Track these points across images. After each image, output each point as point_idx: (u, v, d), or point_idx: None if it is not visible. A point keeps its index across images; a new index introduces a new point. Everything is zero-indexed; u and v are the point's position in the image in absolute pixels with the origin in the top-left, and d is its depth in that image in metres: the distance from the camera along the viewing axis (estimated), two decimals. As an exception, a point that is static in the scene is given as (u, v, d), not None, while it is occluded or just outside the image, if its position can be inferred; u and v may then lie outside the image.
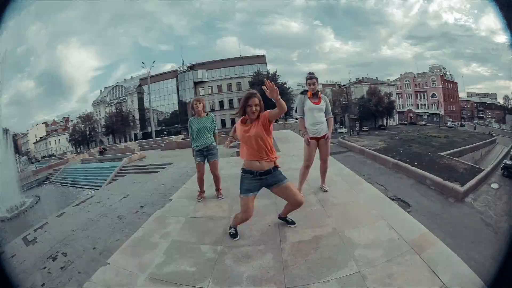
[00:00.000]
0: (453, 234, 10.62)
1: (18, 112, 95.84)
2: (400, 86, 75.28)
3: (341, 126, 67.71)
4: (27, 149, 78.54)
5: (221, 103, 68.38)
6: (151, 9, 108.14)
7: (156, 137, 58.54)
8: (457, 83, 73.33)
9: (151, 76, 70.15)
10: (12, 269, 4.49)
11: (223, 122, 65.27)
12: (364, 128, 63.97)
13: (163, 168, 18.13)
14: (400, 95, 74.25)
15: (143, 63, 62.27)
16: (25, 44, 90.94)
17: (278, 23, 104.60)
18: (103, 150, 43.99)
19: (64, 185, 30.22)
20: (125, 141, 69.06)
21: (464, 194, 16.44)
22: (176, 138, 33.83)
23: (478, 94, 75.04)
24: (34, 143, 79.61)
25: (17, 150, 68.77)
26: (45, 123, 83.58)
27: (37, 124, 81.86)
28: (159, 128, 70.74)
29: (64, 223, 9.33)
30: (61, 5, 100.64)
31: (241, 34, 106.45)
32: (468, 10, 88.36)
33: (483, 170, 21.65)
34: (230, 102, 68.16)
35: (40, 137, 79.84)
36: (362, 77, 74.07)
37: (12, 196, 24.75)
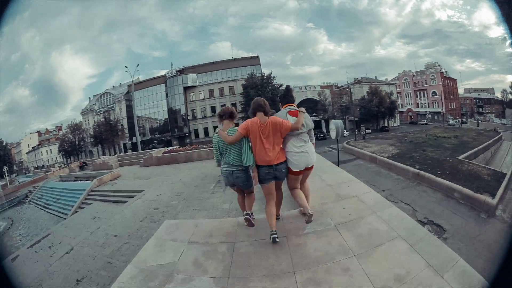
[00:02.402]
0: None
1: (14, 120, 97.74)
2: (399, 85, 73.81)
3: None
4: (20, 159, 79.29)
5: (213, 109, 65.74)
6: (144, 14, 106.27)
7: (146, 147, 58.25)
8: (456, 79, 72.86)
9: (140, 82, 69.02)
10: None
11: (216, 129, 61.54)
12: (367, 131, 60.17)
13: (132, 196, 17.12)
14: (399, 94, 72.57)
15: (126, 66, 58.50)
16: (19, 51, 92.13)
17: (271, 27, 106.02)
18: (84, 164, 41.76)
19: (38, 207, 29.64)
20: (114, 151, 67.89)
21: (496, 207, 15.18)
22: (156, 153, 30.68)
23: (476, 90, 74.80)
24: (27, 153, 79.86)
25: (10, 160, 71.37)
26: (38, 132, 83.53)
27: (30, 133, 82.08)
28: (149, 137, 69.32)
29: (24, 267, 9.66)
30: (54, 11, 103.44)
31: (234, 39, 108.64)
32: (461, 7, 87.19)
33: (505, 174, 19.98)
34: (222, 107, 63.40)
35: (33, 147, 79.75)
36: (361, 77, 72.41)
37: None
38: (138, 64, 59.60)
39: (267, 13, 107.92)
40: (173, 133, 67.26)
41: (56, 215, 23.56)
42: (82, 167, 40.93)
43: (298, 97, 63.61)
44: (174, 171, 22.10)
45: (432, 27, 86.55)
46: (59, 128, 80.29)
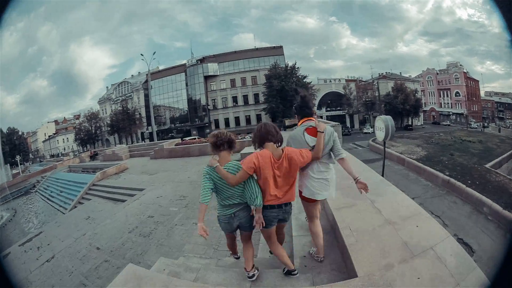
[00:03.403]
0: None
1: (31, 111, 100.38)
2: (423, 83, 70.96)
3: (366, 126, 60.43)
4: (36, 148, 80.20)
5: (234, 99, 63.43)
6: (165, 6, 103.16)
7: (164, 136, 57.87)
8: (478, 81, 69.16)
9: (159, 71, 67.94)
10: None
11: (237, 120, 61.97)
12: None
13: (132, 195, 16.01)
14: (423, 93, 69.62)
15: (142, 54, 55.50)
16: (36, 45, 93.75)
17: (294, 19, 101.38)
18: (95, 154, 41.03)
19: (42, 198, 28.49)
20: (131, 140, 67.25)
21: (523, 228, 13.87)
22: (168, 144, 29.06)
23: (496, 93, 70.84)
24: (43, 141, 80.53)
25: (25, 149, 72.77)
26: (56, 121, 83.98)
27: (48, 122, 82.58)
28: (167, 126, 67.62)
29: (11, 268, 7.22)
30: (70, 6, 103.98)
31: (257, 30, 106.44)
32: (480, 6, 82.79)
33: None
34: (245, 98, 63.28)
35: (49, 136, 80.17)
36: (386, 72, 69.42)
37: None
38: (154, 52, 57.44)
39: (290, 5, 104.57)
40: (193, 123, 65.14)
41: (57, 209, 22.45)
42: (93, 157, 40.19)
43: (323, 90, 61.90)
44: (184, 166, 20.63)
45: (453, 26, 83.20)
46: (77, 117, 79.72)
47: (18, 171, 51.52)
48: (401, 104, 59.14)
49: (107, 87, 78.85)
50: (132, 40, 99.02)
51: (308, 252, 4.90)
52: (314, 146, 4.23)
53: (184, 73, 66.07)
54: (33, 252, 11.68)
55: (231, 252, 5.29)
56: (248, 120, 61.57)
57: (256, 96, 61.55)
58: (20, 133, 74.07)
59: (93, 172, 25.47)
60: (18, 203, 30.43)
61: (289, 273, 4.29)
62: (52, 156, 72.62)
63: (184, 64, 66.49)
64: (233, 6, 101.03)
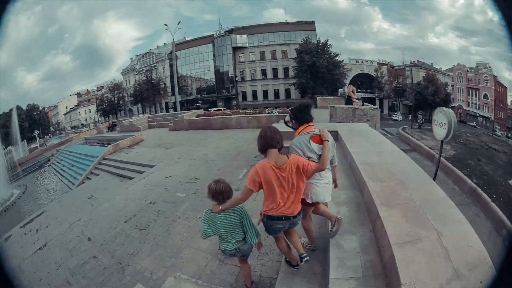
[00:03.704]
0: None
1: (53, 86, 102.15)
2: (452, 78, 66.69)
3: (395, 113, 59.35)
4: (57, 121, 79.73)
5: (263, 71, 61.03)
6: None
7: (189, 106, 56.93)
8: (506, 88, 64.32)
9: (186, 42, 65.94)
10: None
11: (265, 93, 59.78)
12: (418, 120, 53.67)
13: (140, 172, 14.82)
14: (452, 88, 65.64)
15: (165, 24, 52.34)
16: (56, 24, 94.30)
17: None
18: (113, 125, 40.02)
19: (55, 173, 27.77)
20: (155, 110, 66.54)
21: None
22: (189, 115, 27.37)
23: None
24: (64, 114, 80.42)
25: (45, 123, 73.74)
26: (78, 93, 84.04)
27: (70, 95, 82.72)
28: (193, 97, 66.10)
29: (9, 252, 9.29)
30: None
31: (288, 6, 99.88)
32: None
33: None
34: (274, 71, 60.02)
35: (70, 108, 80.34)
36: (417, 61, 65.64)
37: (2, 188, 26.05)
38: (179, 22, 54.62)
39: None
40: (220, 94, 62.82)
41: (66, 184, 21.79)
42: (111, 128, 39.21)
43: (354, 70, 59.09)
44: (203, 140, 18.89)
45: (485, 26, 78.44)
46: (100, 89, 78.82)
47: (36, 145, 52.34)
48: (431, 96, 56.44)
49: (131, 58, 77.85)
50: (159, 13, 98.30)
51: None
52: (320, 155, 4.06)
53: (211, 44, 63.91)
54: (32, 235, 10.99)
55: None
56: (276, 94, 59.66)
57: (286, 70, 58.94)
58: (40, 108, 75.13)
59: (108, 144, 23.97)
60: (31, 179, 30.38)
61: (289, 264, 4.50)
62: (73, 128, 73.17)
63: (212, 35, 64.11)
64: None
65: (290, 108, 4.67)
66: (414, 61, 64.03)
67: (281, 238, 4.23)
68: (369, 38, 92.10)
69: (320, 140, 4.03)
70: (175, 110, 52.16)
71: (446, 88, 59.88)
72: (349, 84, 21.26)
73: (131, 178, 14.12)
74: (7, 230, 12.87)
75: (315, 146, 4.01)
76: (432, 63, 65.58)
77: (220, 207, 3.92)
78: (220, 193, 3.92)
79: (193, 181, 10.95)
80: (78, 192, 16.03)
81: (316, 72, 50.18)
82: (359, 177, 5.98)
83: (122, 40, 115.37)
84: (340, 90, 30.44)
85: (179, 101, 51.86)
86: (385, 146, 7.72)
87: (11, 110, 62.70)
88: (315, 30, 58.64)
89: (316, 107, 30.35)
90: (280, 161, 3.68)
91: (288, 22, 61.03)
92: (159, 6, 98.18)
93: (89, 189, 15.32)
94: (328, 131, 4.15)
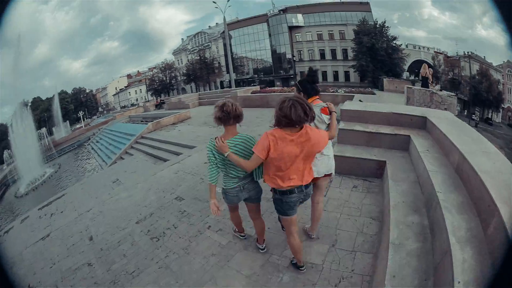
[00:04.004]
0: None
1: (102, 69, 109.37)
2: (503, 75, 60.60)
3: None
4: (106, 101, 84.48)
5: (321, 53, 58.59)
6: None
7: (245, 86, 52.31)
8: None
9: (239, 21, 65.02)
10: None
11: (324, 74, 56.81)
12: (473, 117, 50.10)
13: (178, 154, 12.81)
14: (502, 86, 59.88)
15: (214, 2, 49.96)
16: (99, 14, 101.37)
17: None
18: (161, 102, 40.11)
19: (91, 152, 28.62)
20: (209, 88, 66.00)
21: None
22: (244, 92, 26.00)
23: None
24: (113, 95, 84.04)
25: (92, 104, 79.83)
26: (128, 75, 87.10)
27: (120, 77, 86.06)
28: (249, 76, 64.94)
29: (19, 236, 8.91)
30: None
31: None
32: None
33: None
34: (333, 52, 57.15)
35: (120, 89, 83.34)
36: (470, 52, 59.79)
37: (35, 167, 27.34)
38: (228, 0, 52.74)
39: None
40: (277, 73, 61.76)
41: (100, 164, 21.83)
42: (159, 105, 39.00)
43: (412, 56, 54.93)
44: (256, 120, 16.59)
45: None
46: (152, 69, 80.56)
47: (81, 125, 55.86)
48: (485, 92, 52.12)
49: (182, 38, 78.37)
50: None
51: (303, 228, 4.85)
52: (329, 124, 4.10)
53: (266, 24, 62.13)
54: (46, 219, 9.99)
55: (236, 229, 5.05)
56: (335, 76, 56.92)
57: (344, 51, 56.05)
58: (87, 90, 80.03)
59: (152, 121, 22.65)
60: (67, 158, 31.94)
61: (296, 267, 4.12)
62: (122, 108, 74.97)
63: (266, 14, 62.13)
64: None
65: (297, 81, 4.41)
66: (468, 53, 58.73)
67: (292, 222, 3.78)
68: (420, 25, 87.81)
69: (328, 112, 4.06)
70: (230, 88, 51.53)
71: (498, 86, 54.68)
72: (423, 64, 18.57)
73: (165, 160, 12.42)
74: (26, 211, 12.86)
75: (325, 117, 4.03)
76: (484, 57, 59.76)
77: (227, 152, 3.66)
78: (223, 118, 3.70)
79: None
80: (106, 174, 14.55)
81: (375, 54, 48.05)
82: (479, 194, 3.42)
83: (173, 24, 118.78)
84: (405, 73, 28.46)
85: (235, 79, 50.21)
86: (486, 146, 4.80)
87: (53, 96, 68.20)
88: (370, 11, 55.46)
89: (382, 89, 28.02)
90: (294, 129, 3.35)
91: (342, 2, 58.01)
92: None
93: (118, 170, 13.93)
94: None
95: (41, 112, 68.96)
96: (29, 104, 69.76)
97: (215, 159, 3.81)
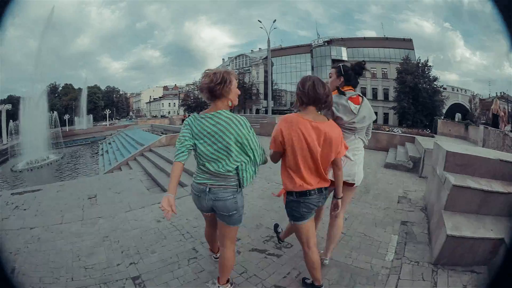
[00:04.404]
0: None
1: (141, 75, 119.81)
2: None
3: None
4: (138, 107, 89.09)
5: (362, 92, 54.74)
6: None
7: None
8: None
9: (282, 49, 65.07)
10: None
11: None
12: None
13: (181, 185, 8.49)
14: None
15: (259, 21, 46.06)
16: (144, 20, 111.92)
17: (412, 21, 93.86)
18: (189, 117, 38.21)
19: (101, 151, 28.21)
20: (244, 113, 64.64)
21: None
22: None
23: None
24: (146, 102, 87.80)
25: (123, 106, 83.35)
26: (165, 86, 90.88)
27: (156, 86, 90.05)
28: (286, 108, 62.73)
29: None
30: None
31: (379, 29, 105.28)
32: None
33: None
34: (374, 91, 56.43)
35: (154, 98, 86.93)
36: (502, 93, 57.62)
37: (39, 149, 28.09)
38: (275, 20, 50.65)
39: (405, 5, 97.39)
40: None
41: (99, 167, 20.86)
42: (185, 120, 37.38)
43: (451, 99, 53.43)
44: None
45: None
46: (189, 86, 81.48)
47: (105, 123, 57.12)
48: None
49: (223, 59, 79.85)
50: (252, 23, 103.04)
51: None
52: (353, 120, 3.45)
53: (309, 54, 61.38)
54: (9, 209, 7.93)
55: (209, 248, 3.98)
56: (386, 119, 54.80)
57: (385, 91, 54.61)
58: (121, 92, 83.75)
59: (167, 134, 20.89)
60: (75, 151, 33.10)
61: (313, 287, 3.23)
62: (154, 116, 75.44)
63: (310, 45, 61.42)
64: (355, 0, 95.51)
65: (342, 64, 3.65)
66: (501, 93, 55.95)
67: (309, 230, 3.04)
68: (453, 68, 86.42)
69: (359, 101, 3.51)
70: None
71: (524, 131, 50.70)
72: (494, 99, 16.72)
73: (162, 189, 9.76)
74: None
75: (352, 105, 3.44)
76: (515, 97, 58.35)
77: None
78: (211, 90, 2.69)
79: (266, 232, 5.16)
80: (92, 183, 11.41)
81: (417, 96, 45.91)
82: None
83: (216, 44, 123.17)
84: (457, 115, 26.69)
85: (272, 108, 47.65)
86: None
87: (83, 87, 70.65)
88: (413, 49, 54.79)
89: (435, 133, 25.75)
90: (319, 118, 2.88)
91: (387, 38, 57.44)
92: (252, 17, 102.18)
93: (105, 184, 10.86)
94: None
95: (69, 100, 73.71)
96: (60, 88, 76.34)
97: (190, 136, 2.77)
